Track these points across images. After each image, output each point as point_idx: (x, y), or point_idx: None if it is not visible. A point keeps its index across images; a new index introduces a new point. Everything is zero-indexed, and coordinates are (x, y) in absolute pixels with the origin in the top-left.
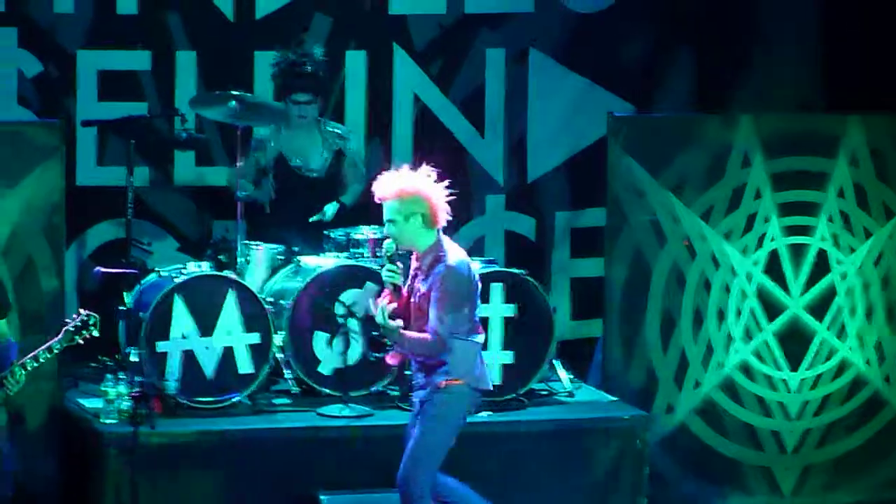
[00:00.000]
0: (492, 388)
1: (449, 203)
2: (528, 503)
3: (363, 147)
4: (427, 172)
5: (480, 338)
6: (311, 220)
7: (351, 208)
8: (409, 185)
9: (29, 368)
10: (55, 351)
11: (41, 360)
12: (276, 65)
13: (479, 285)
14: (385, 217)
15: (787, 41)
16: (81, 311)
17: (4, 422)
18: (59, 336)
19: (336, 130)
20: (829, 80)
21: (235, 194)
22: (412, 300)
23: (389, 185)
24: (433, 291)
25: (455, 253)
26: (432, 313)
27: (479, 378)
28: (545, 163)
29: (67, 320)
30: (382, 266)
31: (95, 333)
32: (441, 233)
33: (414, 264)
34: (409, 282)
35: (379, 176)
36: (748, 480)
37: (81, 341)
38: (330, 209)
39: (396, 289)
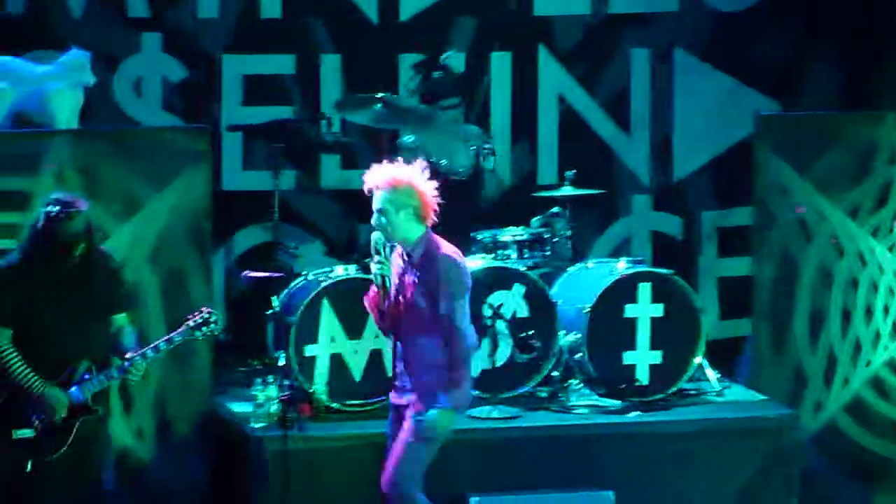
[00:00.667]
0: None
1: (593, 202)
2: (679, 502)
3: (508, 146)
4: (420, 168)
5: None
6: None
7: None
8: (403, 176)
9: (149, 358)
10: (175, 343)
11: (161, 351)
12: (419, 71)
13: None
14: (375, 206)
15: None
16: (204, 308)
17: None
18: (181, 329)
19: (475, 131)
20: None
21: None
22: (400, 297)
23: (382, 175)
24: (441, 286)
25: (449, 247)
26: (444, 306)
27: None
28: (691, 162)
29: (190, 315)
30: (367, 260)
31: (216, 331)
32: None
33: (398, 262)
34: (393, 279)
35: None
36: None
37: (202, 337)
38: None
39: (384, 283)
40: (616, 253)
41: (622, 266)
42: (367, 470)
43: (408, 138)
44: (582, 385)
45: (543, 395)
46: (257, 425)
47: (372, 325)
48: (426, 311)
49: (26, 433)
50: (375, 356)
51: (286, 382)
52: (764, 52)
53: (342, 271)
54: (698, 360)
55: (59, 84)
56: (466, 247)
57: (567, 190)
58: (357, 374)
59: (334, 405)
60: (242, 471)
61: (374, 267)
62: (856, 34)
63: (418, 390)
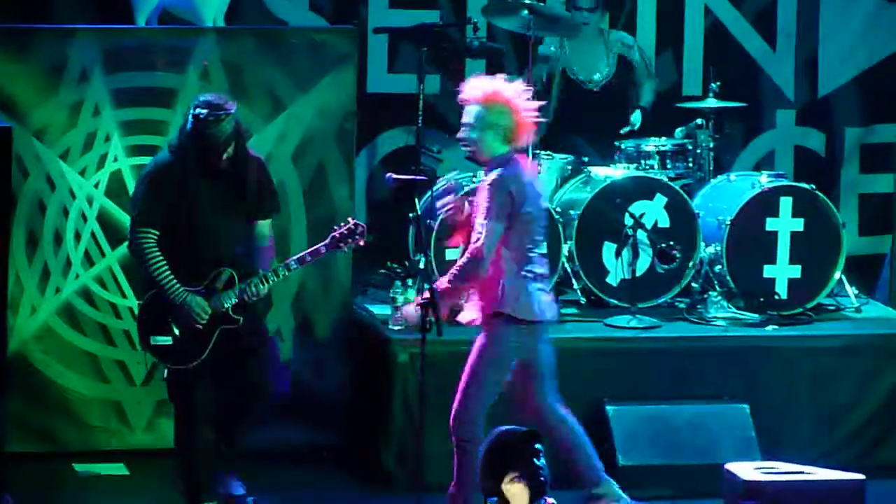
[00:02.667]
0: (542, 320)
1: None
2: (814, 417)
3: (652, 55)
4: (522, 87)
5: (533, 273)
6: (621, 131)
7: (651, 111)
8: (501, 94)
9: (292, 269)
10: (322, 254)
11: (307, 263)
12: None
13: (542, 213)
14: (464, 120)
15: None
16: (350, 219)
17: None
18: (326, 241)
19: (620, 40)
20: None
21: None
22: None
23: (479, 90)
24: (478, 203)
25: (515, 168)
26: (476, 222)
27: (522, 308)
28: (837, 78)
29: (336, 227)
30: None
31: (362, 242)
32: (514, 152)
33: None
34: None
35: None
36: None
37: (346, 249)
38: (635, 118)
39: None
40: (759, 167)
41: (764, 180)
42: None
43: (546, 47)
44: (721, 297)
45: (682, 306)
46: (396, 327)
47: None
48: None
49: (165, 340)
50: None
51: (426, 286)
52: None
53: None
54: (838, 275)
55: None
56: (610, 155)
57: (711, 102)
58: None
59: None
60: (380, 372)
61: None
62: None
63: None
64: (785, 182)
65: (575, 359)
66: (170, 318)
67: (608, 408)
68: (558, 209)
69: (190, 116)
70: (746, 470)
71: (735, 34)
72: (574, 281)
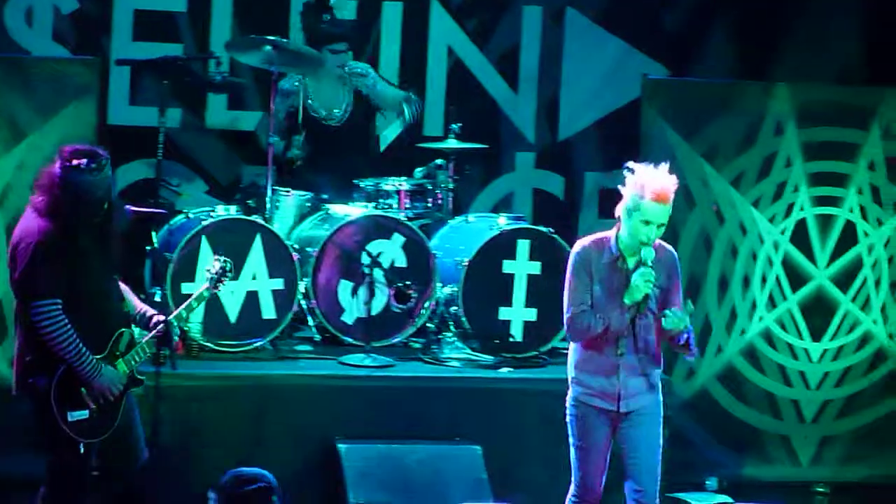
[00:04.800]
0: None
1: (477, 156)
2: (546, 460)
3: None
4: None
5: None
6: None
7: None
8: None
9: (184, 317)
10: (205, 298)
11: (194, 309)
12: (307, 12)
13: None
14: (658, 222)
15: (830, 12)
16: (217, 258)
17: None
18: (206, 285)
19: (356, 70)
20: (871, 51)
21: (267, 141)
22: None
23: (673, 188)
24: (677, 280)
25: None
26: (678, 299)
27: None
28: (577, 123)
29: (207, 268)
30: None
31: (231, 278)
32: None
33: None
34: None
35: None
36: (767, 448)
37: (220, 290)
38: (390, 130)
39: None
40: (497, 208)
41: (502, 221)
42: (238, 410)
43: (287, 83)
44: (456, 338)
45: (417, 346)
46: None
47: (250, 266)
48: None
49: (81, 414)
50: (251, 297)
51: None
52: (658, 17)
53: (223, 211)
54: None
55: None
56: (349, 194)
57: (452, 143)
58: (232, 315)
59: (208, 344)
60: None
61: (642, 284)
62: (751, 5)
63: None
64: (523, 224)
65: (308, 396)
66: (83, 389)
67: (340, 446)
68: (296, 246)
69: (61, 170)
70: None
71: (477, 75)
72: (309, 318)
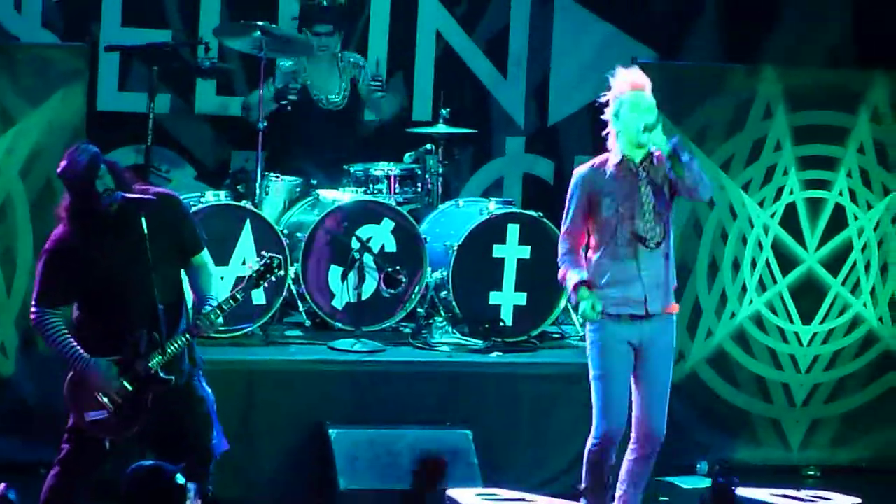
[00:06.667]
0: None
1: (467, 141)
2: (536, 444)
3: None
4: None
5: None
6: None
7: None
8: None
9: (226, 311)
10: (247, 292)
11: (239, 301)
12: None
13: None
14: (645, 106)
15: None
16: (264, 253)
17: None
18: (243, 284)
19: (352, 59)
20: (859, 34)
21: (256, 124)
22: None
23: (646, 80)
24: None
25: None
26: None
27: None
28: (566, 107)
29: (250, 265)
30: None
31: (282, 273)
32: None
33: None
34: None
35: None
36: (758, 432)
37: (266, 285)
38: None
39: None
40: (487, 193)
41: (492, 206)
42: (228, 395)
43: (285, 62)
44: (446, 323)
45: (407, 330)
46: None
47: (240, 252)
48: None
49: (99, 415)
50: (241, 283)
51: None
52: (645, 1)
53: (212, 197)
54: (563, 303)
55: None
56: (338, 179)
57: (441, 128)
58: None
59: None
60: None
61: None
62: None
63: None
64: (513, 209)
65: (298, 381)
66: (95, 390)
67: (330, 431)
68: (286, 231)
69: (61, 176)
70: (468, 496)
71: (466, 60)
72: (300, 303)
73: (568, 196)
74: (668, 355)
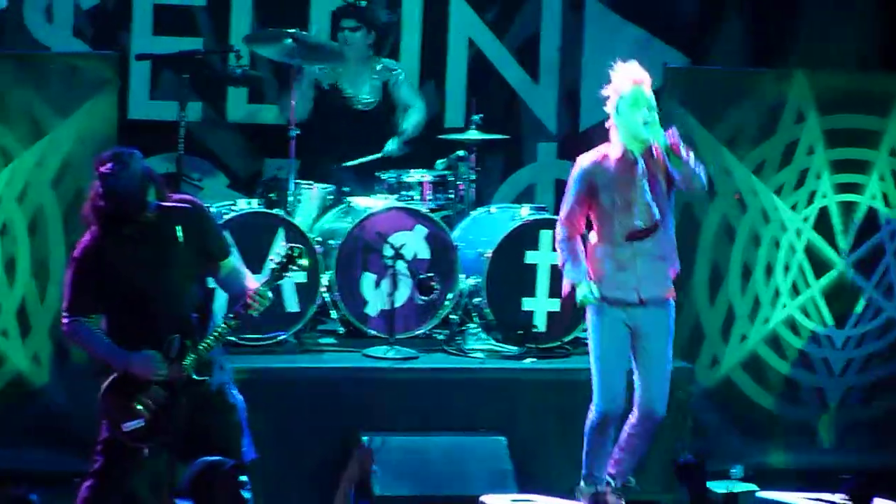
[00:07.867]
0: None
1: (499, 148)
2: (570, 450)
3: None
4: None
5: None
6: (369, 158)
7: (413, 138)
8: None
9: (270, 292)
10: (271, 285)
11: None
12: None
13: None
14: (646, 103)
15: None
16: (284, 244)
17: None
18: (267, 278)
19: (384, 64)
20: (887, 36)
21: (288, 132)
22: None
23: (645, 74)
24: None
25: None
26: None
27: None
28: (598, 112)
29: (272, 257)
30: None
31: (305, 263)
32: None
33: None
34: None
35: None
36: (791, 436)
37: (289, 275)
38: (389, 145)
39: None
40: (519, 199)
41: (525, 212)
42: (262, 403)
43: (315, 71)
44: (479, 329)
45: (441, 337)
46: None
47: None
48: None
49: (137, 424)
50: (274, 291)
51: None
52: (676, 5)
53: (245, 205)
54: None
55: None
56: (370, 186)
57: (473, 134)
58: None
59: (231, 338)
60: None
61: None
62: None
63: None
64: (545, 215)
65: (332, 388)
66: (131, 400)
67: (364, 438)
68: (319, 238)
69: (97, 180)
70: (502, 502)
71: (498, 66)
72: (332, 310)
73: (568, 184)
74: (667, 339)
